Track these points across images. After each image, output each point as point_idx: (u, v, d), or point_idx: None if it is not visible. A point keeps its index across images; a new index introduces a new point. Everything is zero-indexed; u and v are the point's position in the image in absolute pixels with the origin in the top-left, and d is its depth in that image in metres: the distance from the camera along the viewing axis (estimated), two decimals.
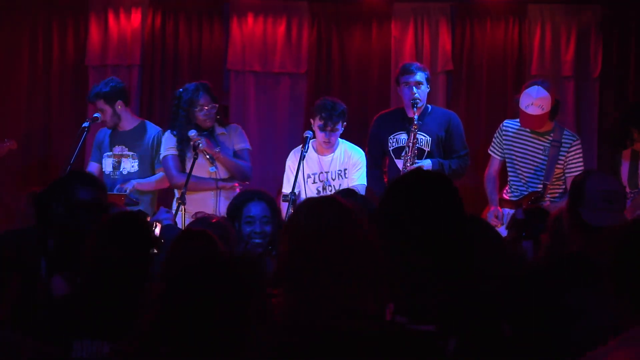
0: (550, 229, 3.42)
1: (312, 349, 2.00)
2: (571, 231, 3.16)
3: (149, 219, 4.96)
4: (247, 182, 6.15)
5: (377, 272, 2.12)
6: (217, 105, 6.01)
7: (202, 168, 5.89)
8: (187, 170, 5.80)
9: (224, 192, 5.92)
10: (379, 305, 2.11)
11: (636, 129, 5.64)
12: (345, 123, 6.00)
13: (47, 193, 3.61)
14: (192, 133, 5.84)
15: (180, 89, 6.06)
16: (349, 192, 4.67)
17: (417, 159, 5.89)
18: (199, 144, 5.78)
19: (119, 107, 6.28)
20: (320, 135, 5.96)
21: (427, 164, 5.86)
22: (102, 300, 3.00)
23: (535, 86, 5.83)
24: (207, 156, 5.82)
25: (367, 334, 2.02)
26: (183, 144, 5.98)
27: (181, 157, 6.00)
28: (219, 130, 6.06)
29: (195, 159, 5.74)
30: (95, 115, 6.31)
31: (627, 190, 5.73)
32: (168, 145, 6.05)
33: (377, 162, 6.18)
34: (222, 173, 5.97)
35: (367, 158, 6.14)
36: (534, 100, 5.77)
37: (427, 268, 2.40)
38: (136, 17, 7.64)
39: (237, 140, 6.11)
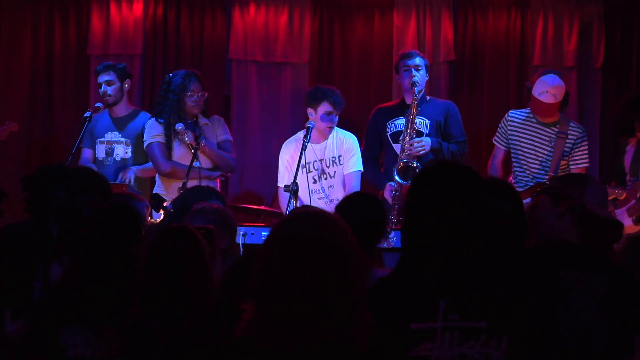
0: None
1: None
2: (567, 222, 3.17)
3: (165, 204, 5.00)
4: (230, 174, 6.22)
5: (357, 293, 1.98)
6: (206, 94, 6.05)
7: (187, 158, 5.88)
8: (175, 160, 5.91)
9: (206, 182, 5.90)
10: (358, 333, 1.97)
11: (637, 119, 5.64)
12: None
13: (46, 179, 3.60)
14: (180, 126, 5.84)
15: (170, 74, 6.09)
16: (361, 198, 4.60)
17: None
18: (185, 138, 5.79)
19: (126, 85, 6.33)
20: (326, 120, 6.00)
21: (426, 141, 5.88)
22: (89, 286, 3.00)
23: (552, 74, 5.83)
24: (192, 150, 5.79)
25: None
26: (171, 130, 5.97)
27: (167, 144, 6.00)
28: (202, 120, 6.09)
29: (195, 155, 5.76)
30: (97, 105, 6.32)
31: (628, 177, 5.76)
32: (153, 132, 6.03)
33: (374, 153, 6.21)
34: (205, 164, 5.97)
35: (364, 149, 6.17)
36: (550, 88, 5.76)
37: (477, 264, 2.39)
38: (138, 6, 7.62)
39: (220, 132, 6.16)
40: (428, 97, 6.18)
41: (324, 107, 5.99)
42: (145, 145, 6.09)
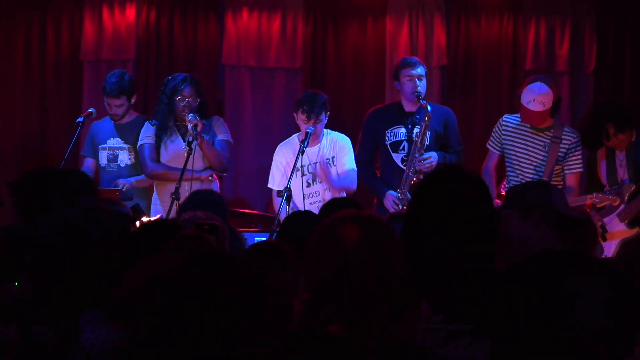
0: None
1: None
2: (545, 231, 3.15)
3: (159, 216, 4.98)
4: (225, 174, 6.18)
5: (405, 291, 2.12)
6: (199, 100, 5.96)
7: (179, 159, 5.86)
8: (168, 159, 5.89)
9: (197, 184, 5.85)
10: (408, 328, 2.11)
11: (612, 124, 5.65)
12: (328, 113, 6.01)
13: (39, 183, 3.58)
14: (191, 116, 5.76)
15: (169, 77, 6.07)
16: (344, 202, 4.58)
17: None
18: (196, 125, 5.69)
19: (133, 101, 6.32)
20: (304, 128, 5.95)
21: (434, 157, 5.87)
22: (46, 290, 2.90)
23: (539, 82, 5.81)
24: (190, 140, 5.72)
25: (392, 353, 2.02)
26: (162, 131, 5.97)
27: (157, 146, 5.98)
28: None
29: (189, 154, 5.71)
30: (90, 110, 6.32)
31: (607, 188, 5.77)
32: (145, 134, 6.04)
33: (370, 157, 6.16)
34: (198, 164, 5.93)
35: (361, 152, 6.12)
36: (537, 96, 5.76)
37: (464, 266, 2.40)
38: (131, 11, 7.61)
39: (219, 131, 6.08)
40: (424, 102, 6.14)
41: (300, 115, 5.96)
42: (138, 146, 6.08)
